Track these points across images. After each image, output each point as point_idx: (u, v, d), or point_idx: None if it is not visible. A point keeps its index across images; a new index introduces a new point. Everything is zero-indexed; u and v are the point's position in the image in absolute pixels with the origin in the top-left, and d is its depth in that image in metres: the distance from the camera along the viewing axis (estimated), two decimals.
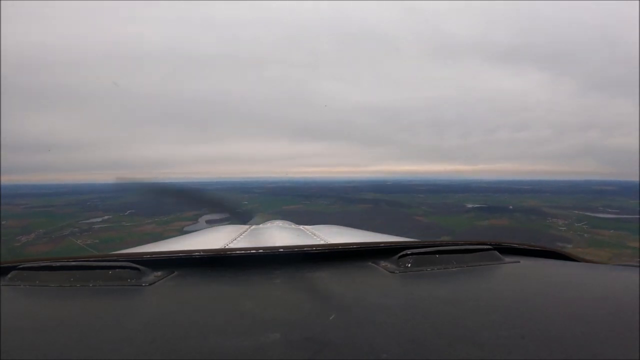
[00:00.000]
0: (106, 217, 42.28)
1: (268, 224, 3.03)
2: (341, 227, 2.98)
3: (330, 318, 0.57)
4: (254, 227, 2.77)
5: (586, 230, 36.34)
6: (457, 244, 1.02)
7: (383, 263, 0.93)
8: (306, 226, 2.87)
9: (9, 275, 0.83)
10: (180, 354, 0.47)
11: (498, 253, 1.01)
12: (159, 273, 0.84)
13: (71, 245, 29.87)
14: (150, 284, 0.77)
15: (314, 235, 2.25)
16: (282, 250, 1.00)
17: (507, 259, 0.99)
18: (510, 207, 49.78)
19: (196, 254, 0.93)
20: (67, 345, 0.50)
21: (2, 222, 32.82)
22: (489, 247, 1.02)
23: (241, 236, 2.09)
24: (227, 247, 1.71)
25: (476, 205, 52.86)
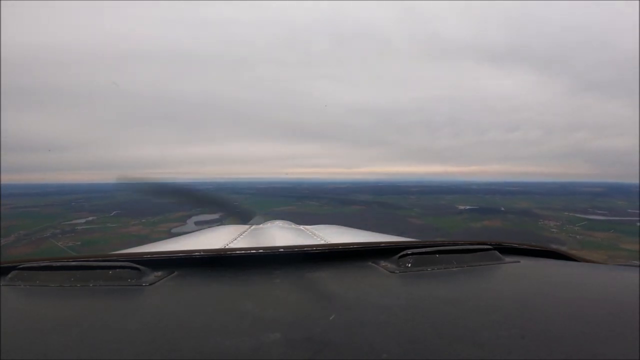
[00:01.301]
0: (90, 218, 41.20)
1: (268, 224, 2.99)
2: (341, 227, 2.93)
3: (331, 318, 0.56)
4: (254, 227, 2.74)
5: (578, 232, 36.54)
6: (458, 244, 1.02)
7: (383, 263, 0.92)
8: (306, 226, 2.81)
9: (9, 275, 0.83)
10: (181, 353, 0.47)
11: (498, 253, 1.00)
12: (159, 273, 0.84)
13: (52, 248, 28.80)
14: (150, 284, 0.77)
15: (314, 235, 2.21)
16: (282, 250, 0.99)
17: (508, 259, 0.99)
18: (502, 208, 50.11)
19: (196, 254, 0.92)
20: (68, 345, 0.50)
21: None
22: (490, 247, 1.02)
23: (241, 236, 2.07)
24: (227, 247, 1.70)
25: (469, 207, 53.09)
